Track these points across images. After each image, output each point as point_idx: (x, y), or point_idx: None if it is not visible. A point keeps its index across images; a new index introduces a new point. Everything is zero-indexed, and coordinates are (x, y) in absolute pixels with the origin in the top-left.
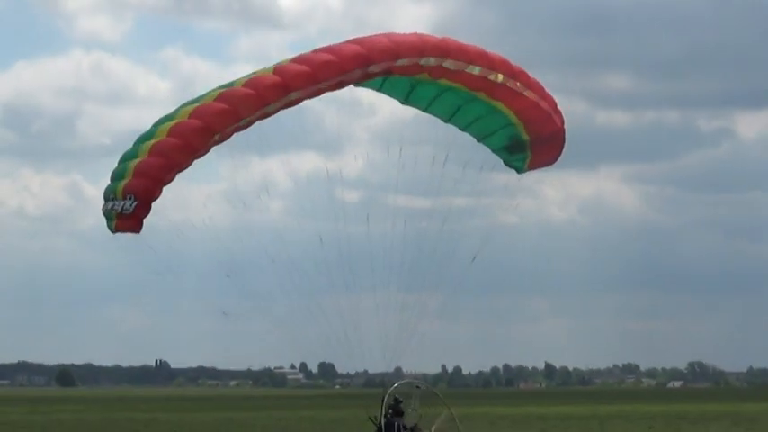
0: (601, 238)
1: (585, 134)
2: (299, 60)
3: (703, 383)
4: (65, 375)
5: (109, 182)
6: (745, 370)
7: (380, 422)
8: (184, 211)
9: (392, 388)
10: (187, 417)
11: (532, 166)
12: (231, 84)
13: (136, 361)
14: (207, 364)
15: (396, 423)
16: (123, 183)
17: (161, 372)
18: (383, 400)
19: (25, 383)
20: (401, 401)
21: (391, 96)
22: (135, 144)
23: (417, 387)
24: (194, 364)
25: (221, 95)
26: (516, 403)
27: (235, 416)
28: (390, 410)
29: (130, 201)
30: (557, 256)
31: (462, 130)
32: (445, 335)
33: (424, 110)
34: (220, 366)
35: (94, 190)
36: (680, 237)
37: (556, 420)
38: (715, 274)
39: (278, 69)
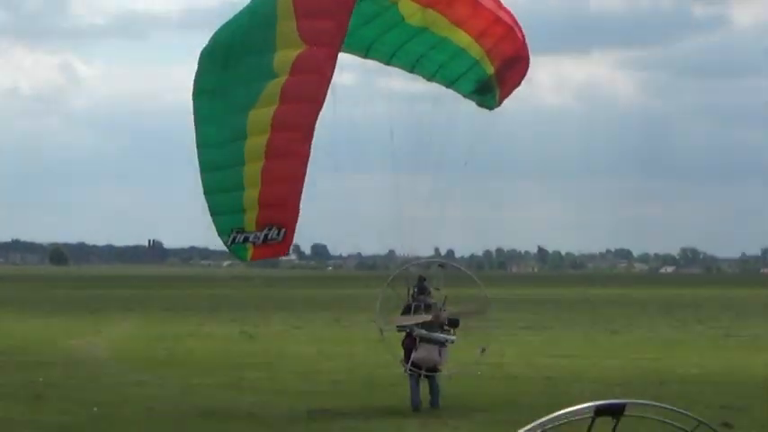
0: (594, 123)
1: (579, 19)
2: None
3: (695, 269)
4: (58, 254)
5: (212, 214)
6: (737, 257)
7: (409, 302)
8: (178, 92)
9: (406, 266)
10: (179, 293)
11: (503, 98)
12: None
13: (129, 240)
14: (200, 244)
15: (413, 303)
16: (253, 215)
17: (154, 251)
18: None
19: (18, 262)
20: (425, 279)
21: (354, 54)
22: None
23: (441, 266)
24: (187, 245)
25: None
26: (508, 286)
27: (229, 293)
28: (415, 289)
29: (276, 231)
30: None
31: (428, 80)
32: (438, 218)
33: (387, 63)
34: (213, 247)
35: (87, 69)
36: (674, 123)
37: (548, 303)
38: (708, 161)
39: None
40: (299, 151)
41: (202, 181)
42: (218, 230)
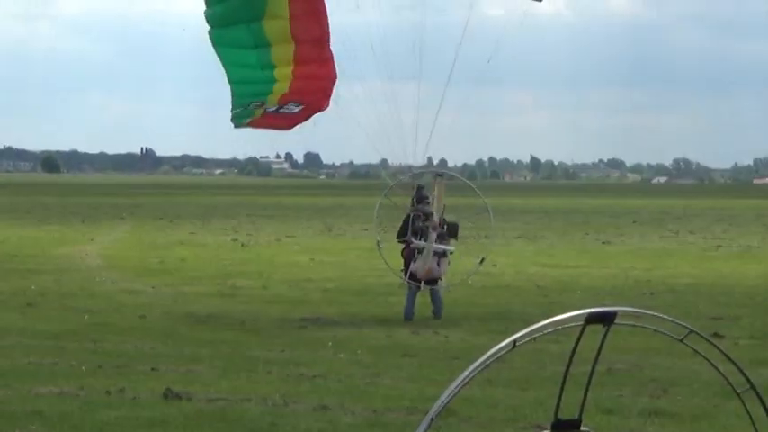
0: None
1: None
2: None
3: (688, 180)
4: (50, 162)
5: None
6: (729, 167)
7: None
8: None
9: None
10: (171, 201)
11: None
12: None
13: (121, 148)
14: (192, 152)
15: (412, 213)
16: (276, 96)
17: (146, 160)
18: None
19: (10, 169)
20: (423, 187)
21: None
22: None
23: (439, 176)
24: (179, 153)
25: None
26: (501, 195)
27: (220, 200)
28: (414, 199)
29: (295, 105)
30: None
31: None
32: (430, 126)
33: None
34: (206, 155)
35: None
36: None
37: (540, 213)
38: (702, 71)
39: None
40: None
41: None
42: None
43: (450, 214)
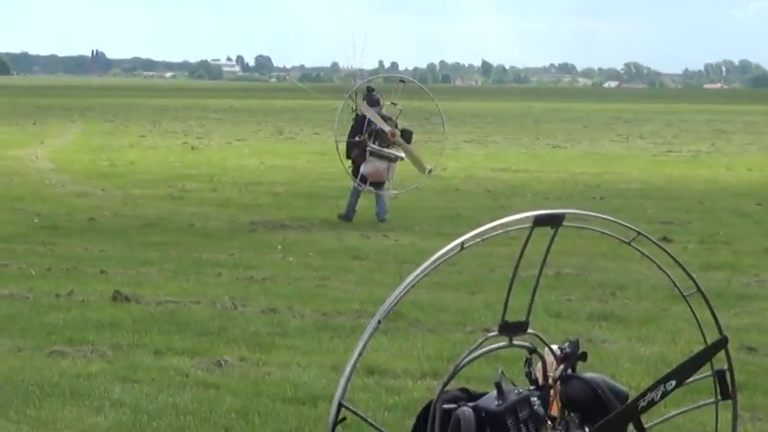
0: None
1: None
2: None
3: (639, 84)
4: None
5: None
6: (680, 72)
7: (357, 112)
8: None
9: (366, 81)
10: (122, 103)
11: None
12: None
13: (72, 51)
14: (143, 55)
15: (367, 116)
16: None
17: (97, 62)
18: (355, 96)
19: None
20: (374, 90)
21: None
22: None
23: (401, 81)
24: (130, 56)
25: None
26: (452, 99)
27: (171, 102)
28: (364, 100)
29: None
30: None
31: None
32: (382, 29)
33: None
34: (157, 58)
35: None
36: None
37: (490, 117)
38: None
39: None
40: None
41: None
42: None
43: (402, 119)
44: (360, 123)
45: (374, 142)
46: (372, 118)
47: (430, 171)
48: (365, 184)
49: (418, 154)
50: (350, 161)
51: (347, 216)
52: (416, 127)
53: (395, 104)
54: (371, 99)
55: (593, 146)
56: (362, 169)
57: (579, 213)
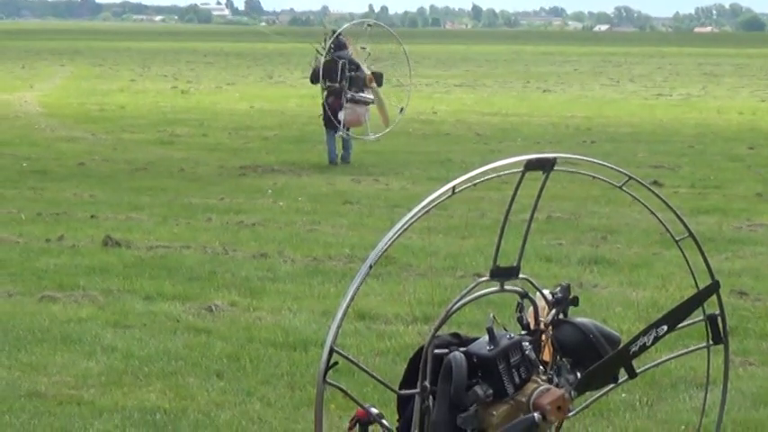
0: None
1: None
2: None
3: (629, 28)
4: None
5: None
6: (671, 15)
7: (323, 57)
8: None
9: (341, 28)
10: (111, 47)
11: None
12: None
13: None
14: None
15: (341, 61)
16: None
17: (86, 6)
18: (325, 40)
19: None
20: (340, 33)
21: None
22: None
23: (368, 26)
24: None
25: None
26: (442, 42)
27: (161, 46)
28: (332, 46)
29: None
30: None
31: None
32: None
33: None
34: (146, 2)
35: None
36: None
37: (481, 61)
38: None
39: None
40: None
41: None
42: None
43: (370, 62)
44: (332, 69)
45: (350, 88)
46: (361, 64)
47: (401, 110)
48: (347, 130)
49: (386, 103)
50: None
51: (331, 160)
52: (385, 68)
53: (364, 48)
54: (339, 43)
55: (584, 90)
56: (342, 116)
57: (570, 157)
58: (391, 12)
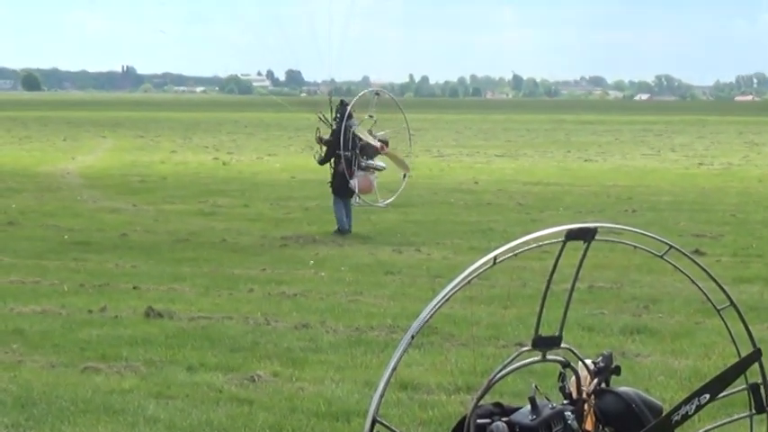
0: None
1: None
2: None
3: (670, 97)
4: (30, 80)
5: None
6: (711, 84)
7: (333, 126)
8: None
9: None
10: (152, 118)
11: None
12: None
13: (102, 66)
14: (174, 70)
15: (345, 127)
16: None
17: (127, 77)
18: (337, 108)
19: None
20: (347, 104)
21: None
22: None
23: (377, 94)
24: (160, 71)
25: None
26: (483, 112)
27: (202, 117)
28: (338, 114)
29: None
30: None
31: None
32: (411, 43)
33: None
34: (187, 73)
35: None
36: None
37: (522, 130)
38: None
39: None
40: None
41: None
42: None
43: (375, 130)
44: (341, 140)
45: (361, 156)
46: (366, 138)
47: (405, 176)
48: (358, 197)
49: (399, 155)
50: (330, 177)
51: (342, 230)
52: (390, 135)
53: (371, 117)
54: (349, 112)
55: (625, 159)
56: (354, 184)
57: (611, 227)
58: (432, 81)
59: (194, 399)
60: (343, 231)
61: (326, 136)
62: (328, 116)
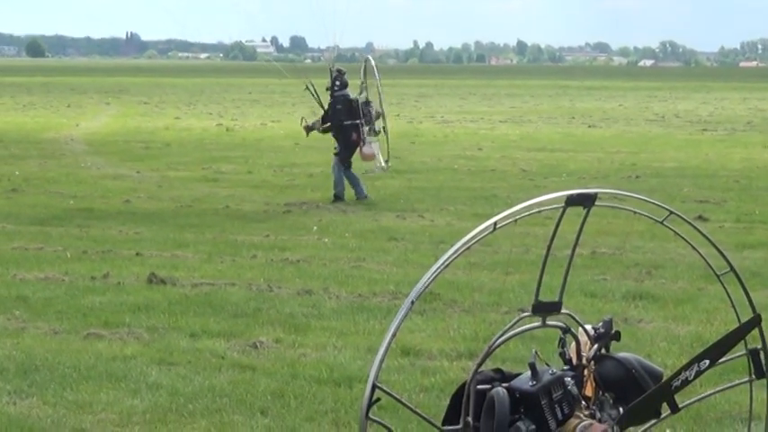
0: None
1: None
2: None
3: (674, 63)
4: (34, 46)
5: None
6: (716, 50)
7: (329, 92)
8: None
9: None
10: (157, 84)
11: None
12: None
13: (106, 33)
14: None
15: (344, 96)
16: None
17: (131, 44)
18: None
19: None
20: (344, 72)
21: None
22: None
23: (365, 61)
24: (165, 37)
25: None
26: (487, 77)
27: (206, 83)
28: (337, 82)
29: None
30: None
31: None
32: (416, 9)
33: None
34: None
35: None
36: None
37: (525, 96)
38: None
39: None
40: None
41: None
42: None
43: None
44: (352, 107)
45: (366, 124)
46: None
47: (386, 163)
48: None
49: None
50: (335, 144)
51: (363, 196)
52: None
53: (363, 83)
54: (344, 82)
55: (629, 125)
56: (365, 150)
57: (612, 192)
58: (436, 47)
59: (196, 365)
60: (339, 197)
61: (312, 120)
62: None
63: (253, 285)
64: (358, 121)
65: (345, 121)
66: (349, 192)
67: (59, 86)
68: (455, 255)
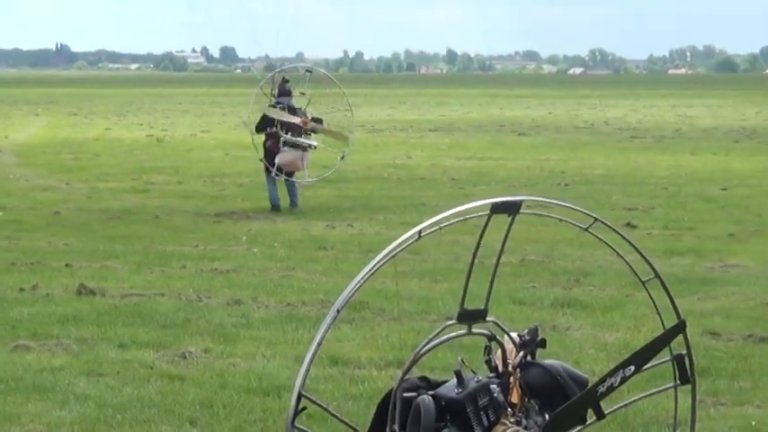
0: None
1: None
2: None
3: (604, 71)
4: None
5: None
6: (645, 57)
7: (270, 103)
8: None
9: (277, 70)
10: (86, 95)
11: None
12: None
13: (35, 44)
14: (108, 47)
15: (278, 106)
16: None
17: (61, 55)
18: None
19: None
20: (288, 81)
21: None
22: None
23: (308, 71)
24: (95, 48)
25: None
26: (417, 86)
27: (136, 94)
28: (277, 91)
29: None
30: None
31: None
32: (345, 19)
33: None
34: (122, 50)
35: None
36: None
37: (455, 104)
38: None
39: None
40: None
41: None
42: None
43: (312, 108)
44: (269, 116)
45: (287, 132)
46: (279, 117)
47: (343, 156)
48: (281, 173)
49: (334, 129)
50: (262, 152)
51: (274, 206)
52: (325, 114)
53: (303, 94)
54: (284, 90)
55: (559, 133)
56: (278, 159)
57: (537, 200)
58: (366, 57)
59: (125, 376)
60: (273, 207)
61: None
62: (266, 92)
63: (182, 296)
64: (275, 129)
65: (263, 127)
66: (285, 200)
67: None
68: (380, 263)
